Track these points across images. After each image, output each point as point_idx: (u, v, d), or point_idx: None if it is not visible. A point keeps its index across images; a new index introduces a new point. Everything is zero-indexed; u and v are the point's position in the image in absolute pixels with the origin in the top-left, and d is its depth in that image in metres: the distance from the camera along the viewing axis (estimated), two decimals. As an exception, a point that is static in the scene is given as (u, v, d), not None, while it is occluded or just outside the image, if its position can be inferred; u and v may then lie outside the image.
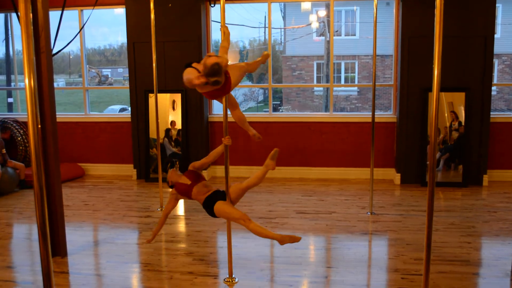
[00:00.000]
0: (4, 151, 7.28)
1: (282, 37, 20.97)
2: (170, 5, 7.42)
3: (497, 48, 7.32)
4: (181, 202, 6.73)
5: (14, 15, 8.82)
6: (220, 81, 3.41)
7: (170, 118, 7.69)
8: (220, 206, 3.95)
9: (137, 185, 7.60)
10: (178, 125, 7.68)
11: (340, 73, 19.76)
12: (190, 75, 3.47)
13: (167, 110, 7.67)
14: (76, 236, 5.26)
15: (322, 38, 19.25)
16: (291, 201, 6.50)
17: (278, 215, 5.88)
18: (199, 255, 4.68)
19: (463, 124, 7.05)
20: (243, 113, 4.14)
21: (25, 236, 5.57)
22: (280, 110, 18.32)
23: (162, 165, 7.59)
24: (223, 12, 3.79)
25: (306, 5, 13.79)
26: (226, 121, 3.93)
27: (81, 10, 8.07)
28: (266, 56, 4.22)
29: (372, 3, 5.65)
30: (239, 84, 4.41)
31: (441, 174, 7.17)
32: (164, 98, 7.62)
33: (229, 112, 3.95)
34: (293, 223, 5.58)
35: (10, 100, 12.28)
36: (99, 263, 4.66)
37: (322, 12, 17.95)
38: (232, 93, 3.99)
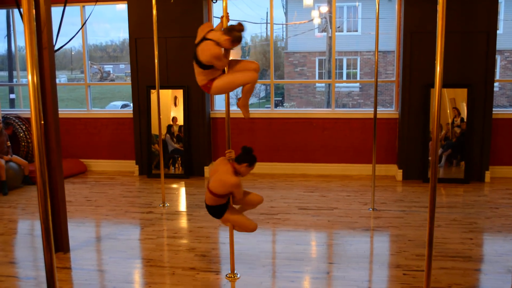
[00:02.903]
0: (8, 143, 7.30)
1: (284, 33, 20.94)
2: (172, 0, 7.40)
3: (500, 44, 7.30)
4: (182, 198, 6.75)
5: (16, 11, 8.82)
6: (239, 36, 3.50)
7: (172, 114, 7.69)
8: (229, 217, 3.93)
9: (139, 181, 7.62)
10: (180, 121, 7.68)
11: (342, 69, 19.73)
12: (210, 46, 3.45)
13: (169, 106, 7.67)
14: (78, 232, 5.27)
15: (324, 34, 19.21)
16: (293, 197, 6.50)
17: (280, 211, 5.88)
18: (201, 251, 4.69)
19: (465, 120, 7.03)
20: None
21: (27, 231, 5.58)
22: (284, 106, 18.31)
23: (164, 161, 7.60)
24: (225, 7, 3.78)
25: (308, 1, 13.76)
26: (228, 116, 3.93)
27: (83, 6, 8.06)
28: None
29: (375, -1, 5.64)
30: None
31: (443, 170, 7.16)
32: (166, 94, 7.62)
33: (232, 109, 3.92)
34: (295, 219, 5.58)
35: (12, 96, 12.29)
36: (102, 259, 4.67)
37: (324, 8, 17.90)
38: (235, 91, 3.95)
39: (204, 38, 3.55)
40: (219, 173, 3.76)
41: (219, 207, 3.85)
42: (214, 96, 7.96)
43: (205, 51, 3.49)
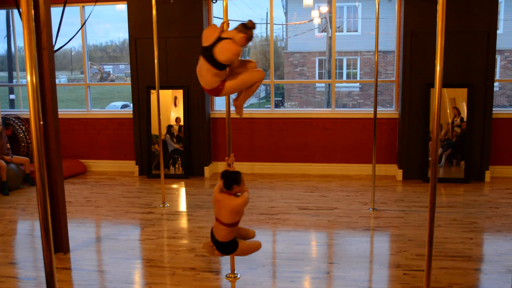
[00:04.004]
0: (8, 145, 7.31)
1: (284, 33, 20.95)
2: (172, 1, 7.40)
3: (500, 44, 7.30)
4: (183, 199, 6.75)
5: (15, 11, 8.82)
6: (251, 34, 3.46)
7: (172, 115, 7.69)
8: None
9: (139, 181, 7.62)
10: (180, 122, 7.68)
11: (342, 69, 19.74)
12: (231, 44, 3.38)
13: (169, 106, 7.66)
14: (78, 233, 5.27)
15: (324, 34, 19.21)
16: (293, 197, 6.50)
17: (280, 211, 5.88)
18: (201, 251, 4.68)
19: (465, 120, 7.03)
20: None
21: (27, 232, 5.58)
22: (285, 106, 18.31)
23: (164, 161, 7.60)
24: (225, 8, 3.78)
25: (308, 1, 13.77)
26: (229, 116, 3.92)
27: (83, 7, 8.06)
28: None
29: (374, -2, 5.63)
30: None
31: (443, 170, 7.16)
32: (166, 95, 7.62)
33: (233, 109, 3.88)
34: (295, 219, 5.58)
35: (12, 96, 12.29)
36: (102, 259, 4.67)
37: (324, 8, 17.90)
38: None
39: (221, 38, 3.45)
40: (223, 203, 3.55)
41: (232, 241, 3.67)
42: (214, 97, 7.96)
43: (227, 50, 3.38)
